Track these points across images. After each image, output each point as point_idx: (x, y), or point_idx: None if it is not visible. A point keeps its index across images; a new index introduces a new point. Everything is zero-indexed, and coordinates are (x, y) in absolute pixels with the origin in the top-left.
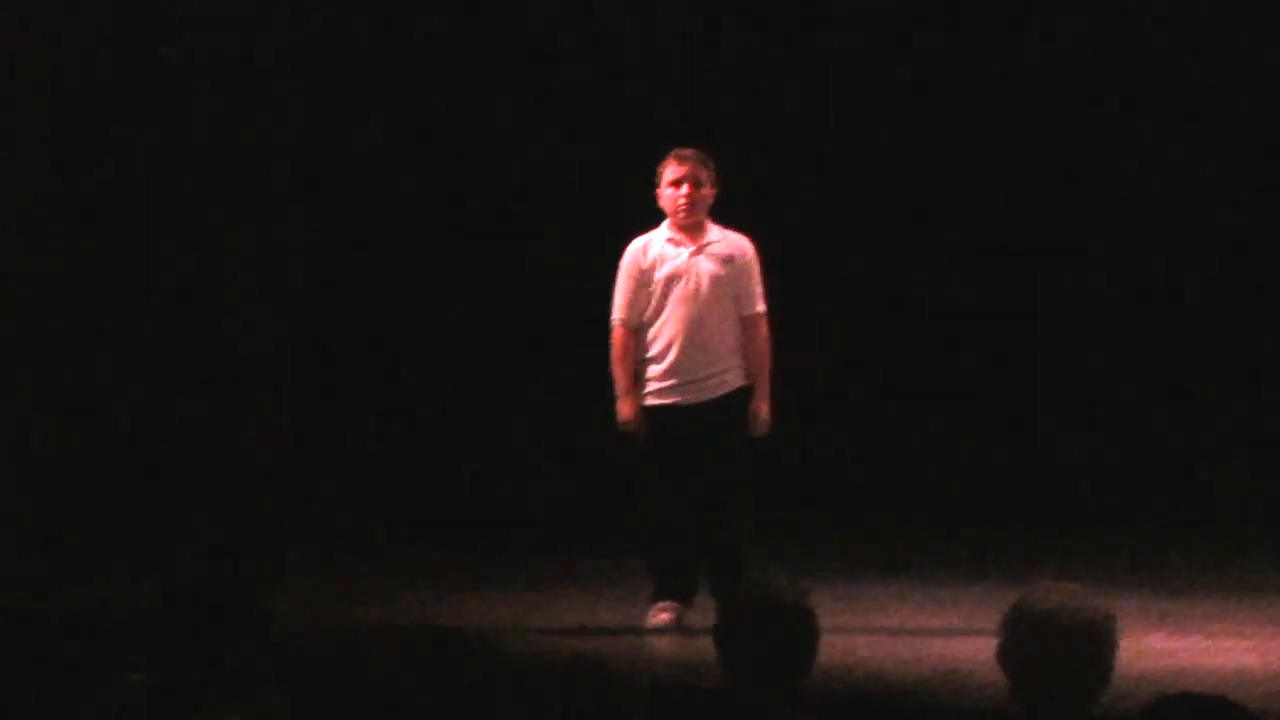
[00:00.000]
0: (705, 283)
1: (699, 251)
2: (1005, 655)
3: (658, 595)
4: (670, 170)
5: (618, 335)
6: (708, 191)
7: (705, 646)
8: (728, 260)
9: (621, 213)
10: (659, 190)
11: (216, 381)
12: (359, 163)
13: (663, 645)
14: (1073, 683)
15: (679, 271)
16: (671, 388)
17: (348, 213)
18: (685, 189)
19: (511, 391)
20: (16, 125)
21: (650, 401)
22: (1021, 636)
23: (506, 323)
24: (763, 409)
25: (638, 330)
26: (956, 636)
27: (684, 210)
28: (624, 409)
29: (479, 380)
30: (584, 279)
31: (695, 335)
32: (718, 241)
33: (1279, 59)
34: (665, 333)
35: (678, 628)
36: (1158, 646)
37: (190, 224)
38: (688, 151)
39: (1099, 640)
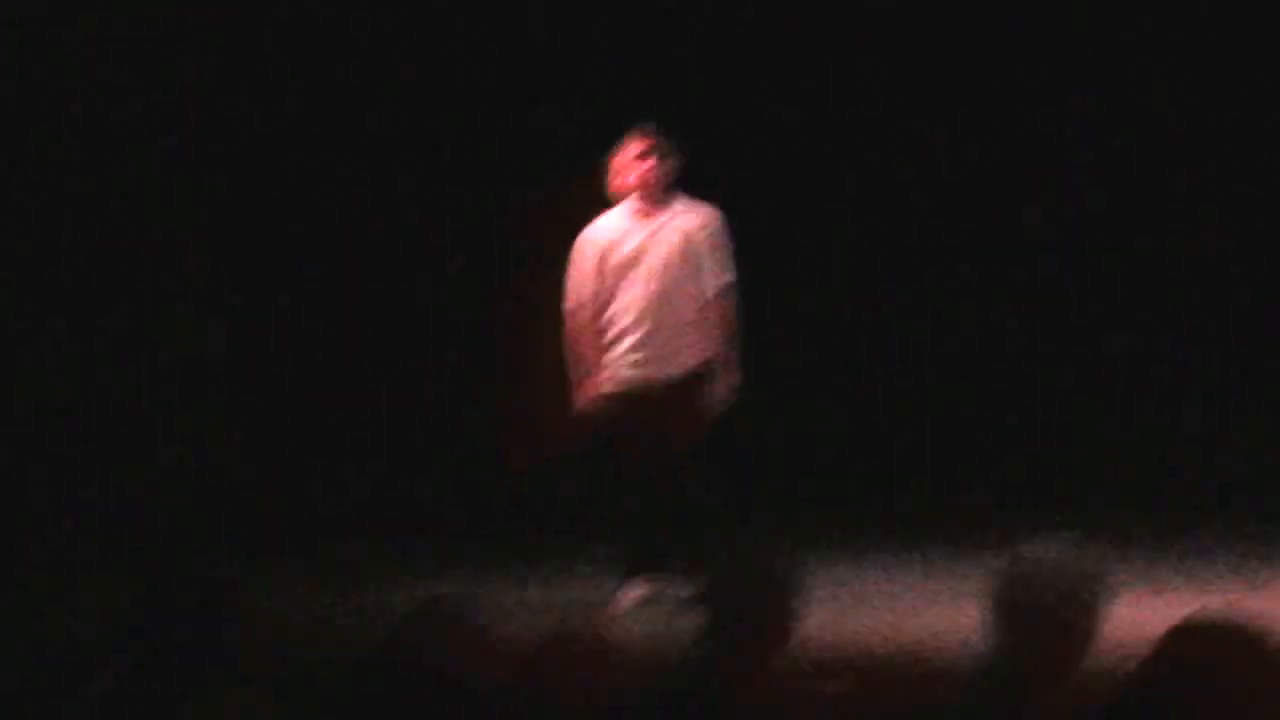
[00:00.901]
0: (669, 256)
1: (663, 225)
2: (995, 612)
3: (632, 570)
4: (632, 145)
5: (575, 317)
6: (669, 164)
7: (683, 617)
8: (692, 232)
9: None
10: (622, 166)
11: (174, 376)
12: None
13: (640, 617)
14: (1063, 639)
15: (642, 247)
16: (636, 363)
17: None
18: (649, 162)
19: (468, 377)
20: None
21: (617, 377)
22: (1012, 593)
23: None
24: (727, 379)
25: (598, 310)
26: (937, 601)
27: (647, 182)
28: (585, 391)
29: (437, 366)
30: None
31: (659, 310)
32: (682, 213)
33: None
34: (630, 309)
35: (654, 600)
36: (1125, 609)
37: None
38: (648, 126)
39: (1089, 596)
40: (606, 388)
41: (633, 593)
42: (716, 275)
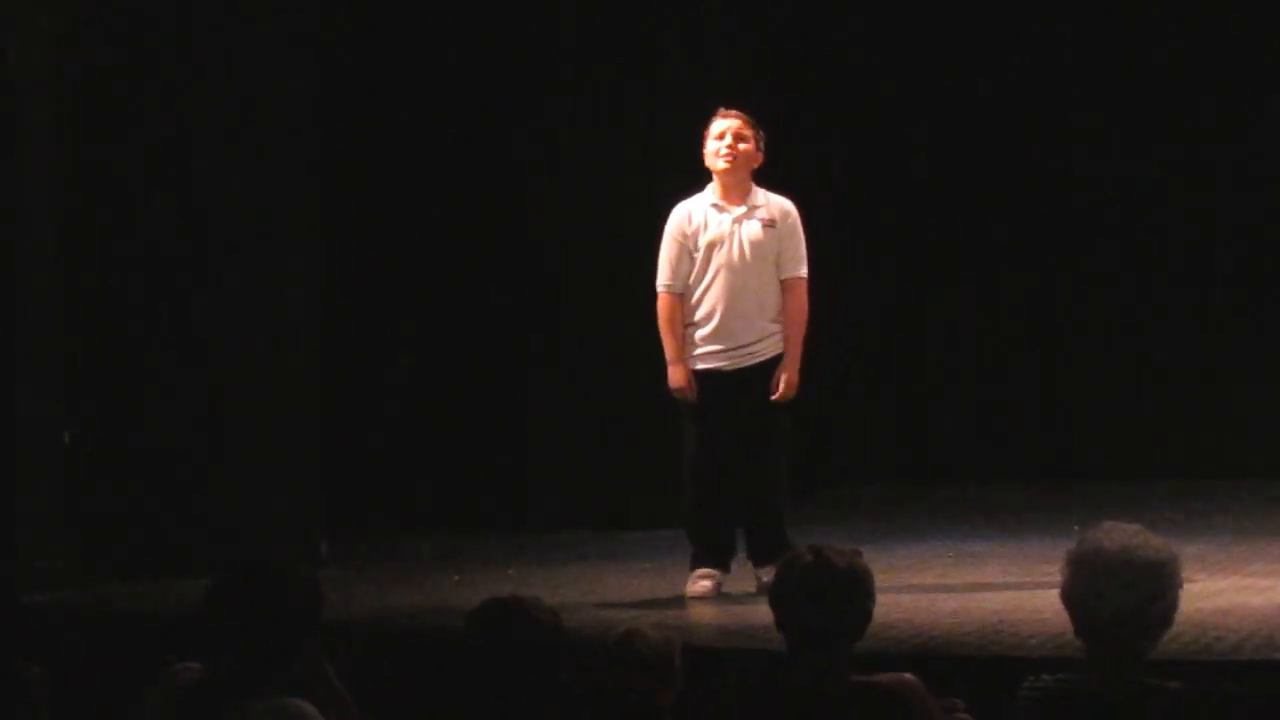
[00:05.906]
0: (748, 248)
1: (742, 216)
2: (1070, 594)
3: (696, 563)
4: (715, 124)
5: (664, 302)
6: (750, 148)
7: (745, 612)
8: (770, 224)
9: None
10: (704, 148)
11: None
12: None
13: (704, 612)
14: (1139, 621)
15: (722, 236)
16: (715, 353)
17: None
18: (727, 140)
19: (528, 372)
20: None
21: (694, 365)
22: (1087, 575)
23: (515, 297)
24: (790, 373)
25: (683, 296)
26: (998, 590)
27: (725, 161)
28: (675, 375)
29: (494, 361)
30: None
31: (738, 301)
32: (761, 206)
33: None
34: (709, 298)
35: (718, 595)
36: (1197, 589)
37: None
38: (734, 110)
39: (1164, 578)
40: (692, 365)
41: (696, 586)
42: (791, 269)
